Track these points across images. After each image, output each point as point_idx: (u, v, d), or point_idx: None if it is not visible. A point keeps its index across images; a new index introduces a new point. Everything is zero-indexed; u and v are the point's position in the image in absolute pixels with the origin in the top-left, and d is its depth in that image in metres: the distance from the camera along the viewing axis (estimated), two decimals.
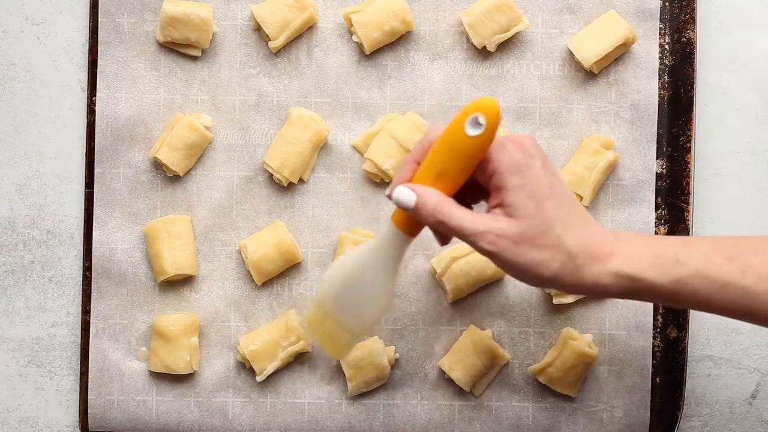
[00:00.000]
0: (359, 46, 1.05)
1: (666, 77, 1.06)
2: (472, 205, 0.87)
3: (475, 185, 0.85)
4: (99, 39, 1.05)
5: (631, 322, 1.06)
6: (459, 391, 1.06)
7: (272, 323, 1.05)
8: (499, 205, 0.81)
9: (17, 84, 1.08)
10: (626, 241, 0.83)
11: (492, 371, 1.05)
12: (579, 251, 0.81)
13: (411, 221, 0.85)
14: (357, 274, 0.88)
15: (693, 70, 1.05)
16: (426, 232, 0.88)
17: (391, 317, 1.06)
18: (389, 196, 0.84)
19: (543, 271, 0.80)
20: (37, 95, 1.08)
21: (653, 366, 1.06)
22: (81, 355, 1.06)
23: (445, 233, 0.84)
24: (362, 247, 0.88)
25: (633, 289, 0.82)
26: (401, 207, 0.83)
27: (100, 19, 1.05)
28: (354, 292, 0.89)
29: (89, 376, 1.05)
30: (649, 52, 1.06)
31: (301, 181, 1.06)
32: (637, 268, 0.81)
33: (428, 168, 0.82)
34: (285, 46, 1.06)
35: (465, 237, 0.81)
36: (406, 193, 0.82)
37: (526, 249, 0.80)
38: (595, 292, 0.82)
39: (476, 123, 0.80)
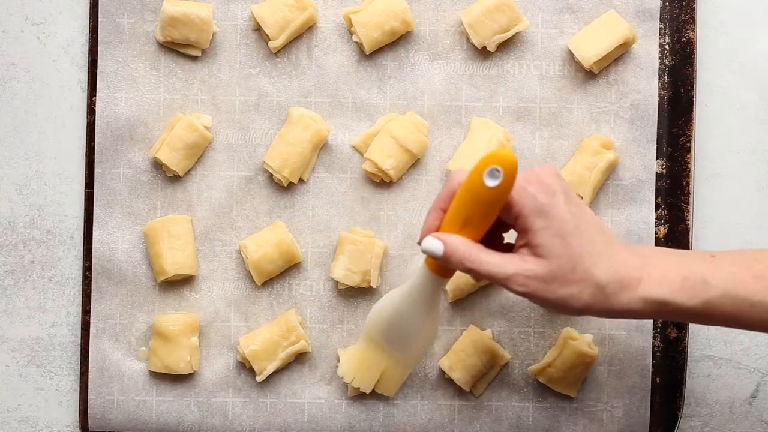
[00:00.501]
0: (359, 46, 1.05)
1: (666, 77, 1.06)
2: (504, 234, 0.90)
3: (503, 221, 0.86)
4: (99, 39, 1.05)
5: (631, 322, 1.06)
6: (459, 391, 1.06)
7: (272, 323, 1.05)
8: (527, 245, 0.83)
9: (17, 84, 1.08)
10: (654, 264, 0.84)
11: (492, 371, 1.05)
12: (608, 281, 0.82)
13: (442, 266, 0.87)
14: (402, 312, 0.92)
15: (693, 70, 1.05)
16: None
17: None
18: (419, 244, 0.86)
19: (575, 304, 0.82)
20: (37, 95, 1.08)
21: (653, 366, 1.06)
22: (81, 355, 1.06)
23: (475, 277, 0.86)
24: (402, 288, 0.92)
25: (663, 312, 0.83)
26: (430, 256, 0.85)
27: (100, 19, 1.05)
28: (402, 327, 0.93)
29: (89, 376, 1.05)
30: (649, 52, 1.06)
31: (301, 181, 1.06)
32: (666, 292, 0.83)
33: (454, 216, 0.84)
34: (285, 46, 1.06)
35: (495, 281, 0.83)
36: (434, 243, 0.84)
37: (556, 286, 0.82)
38: (626, 317, 0.84)
39: (494, 174, 0.81)
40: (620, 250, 0.85)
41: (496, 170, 0.81)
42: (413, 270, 0.91)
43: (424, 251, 0.85)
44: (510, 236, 0.89)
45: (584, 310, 0.83)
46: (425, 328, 0.93)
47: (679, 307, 0.83)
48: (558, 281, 0.82)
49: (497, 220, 0.85)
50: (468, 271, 0.84)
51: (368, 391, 0.99)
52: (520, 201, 0.83)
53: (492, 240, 0.88)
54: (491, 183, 0.81)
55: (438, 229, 0.85)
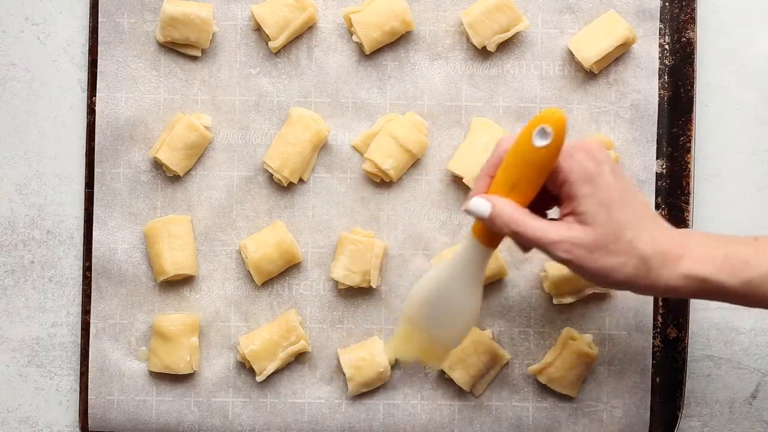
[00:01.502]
0: (359, 46, 1.05)
1: (666, 77, 1.06)
2: (547, 212, 0.89)
3: (548, 193, 0.86)
4: (99, 39, 1.05)
5: (631, 322, 1.06)
6: (459, 391, 1.06)
7: (272, 323, 1.05)
8: (572, 213, 0.83)
9: (17, 84, 1.08)
10: (696, 241, 0.84)
11: (492, 371, 1.05)
12: (651, 255, 0.83)
13: (490, 232, 0.86)
14: (443, 289, 0.91)
15: (693, 70, 1.05)
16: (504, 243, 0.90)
17: (391, 318, 1.06)
18: (464, 209, 0.85)
19: (616, 276, 0.83)
20: (37, 95, 1.08)
21: (653, 366, 1.06)
22: (81, 355, 1.06)
23: (521, 243, 0.86)
24: (445, 262, 0.90)
25: (703, 290, 0.83)
26: (477, 217, 0.84)
27: (100, 19, 1.05)
28: (442, 305, 0.91)
29: (89, 376, 1.05)
30: (649, 52, 1.06)
31: (301, 181, 1.06)
32: (708, 270, 0.83)
33: (502, 180, 0.84)
34: (285, 46, 1.06)
35: (540, 246, 0.83)
36: (481, 204, 0.84)
37: (600, 255, 0.82)
38: (666, 294, 0.84)
39: (543, 134, 0.81)
40: (663, 225, 0.85)
41: (546, 130, 0.81)
42: (460, 241, 0.88)
43: (470, 211, 0.84)
44: (553, 214, 0.89)
45: (626, 282, 0.83)
46: (468, 303, 0.91)
47: (720, 286, 0.83)
48: (602, 250, 0.82)
49: (542, 195, 0.85)
50: (513, 235, 0.84)
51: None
52: (567, 167, 0.83)
53: (537, 214, 0.87)
54: (540, 143, 0.81)
55: (486, 193, 0.85)
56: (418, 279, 0.95)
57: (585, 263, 0.82)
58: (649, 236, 0.83)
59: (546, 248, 0.83)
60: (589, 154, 0.83)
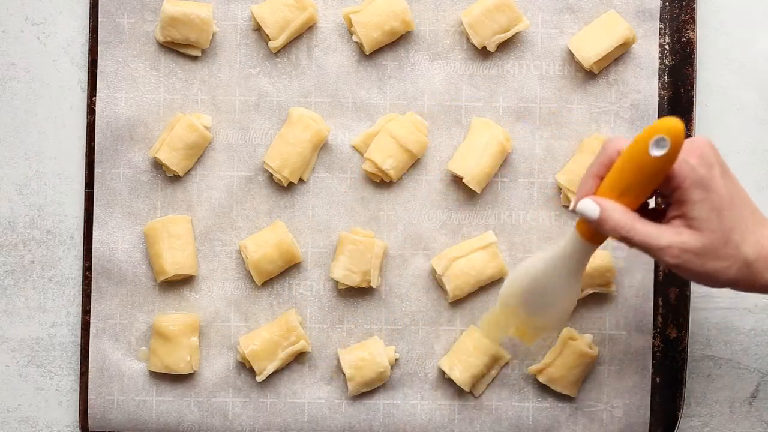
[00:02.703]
0: (359, 46, 1.05)
1: (666, 77, 1.06)
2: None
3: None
4: (99, 39, 1.05)
5: (631, 322, 1.06)
6: (459, 391, 1.06)
7: (272, 323, 1.05)
8: (681, 216, 0.83)
9: (17, 84, 1.08)
10: None
11: (492, 371, 1.05)
12: (756, 258, 0.84)
13: (594, 231, 0.86)
14: (542, 278, 0.91)
15: (693, 70, 1.05)
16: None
17: (392, 318, 1.06)
18: (572, 209, 0.86)
19: (720, 278, 0.84)
20: (37, 95, 1.08)
21: (653, 366, 1.06)
22: (81, 355, 1.06)
23: (629, 245, 0.86)
24: (546, 253, 0.91)
25: None
26: (585, 218, 0.85)
27: (100, 19, 1.05)
28: (540, 294, 0.92)
29: (89, 376, 1.05)
30: (649, 52, 1.06)
31: (301, 181, 1.06)
32: None
33: (612, 184, 0.84)
34: (285, 46, 1.06)
35: (648, 251, 0.84)
36: (590, 206, 0.84)
37: (707, 260, 0.83)
38: (765, 292, 0.85)
39: (660, 144, 0.80)
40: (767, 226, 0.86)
41: (663, 140, 0.80)
42: (563, 236, 0.90)
43: (579, 212, 0.84)
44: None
45: (728, 284, 0.84)
46: (567, 294, 0.92)
47: None
48: (709, 255, 0.83)
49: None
50: (621, 239, 0.84)
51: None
52: (680, 172, 0.83)
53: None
54: (657, 152, 0.81)
55: (594, 194, 0.85)
56: (517, 265, 0.96)
57: (692, 267, 0.83)
58: (755, 239, 0.84)
59: (654, 253, 0.83)
60: (702, 159, 0.83)
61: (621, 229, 0.83)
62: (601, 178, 0.85)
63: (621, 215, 0.83)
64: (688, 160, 0.83)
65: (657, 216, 0.88)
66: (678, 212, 0.84)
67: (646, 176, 0.82)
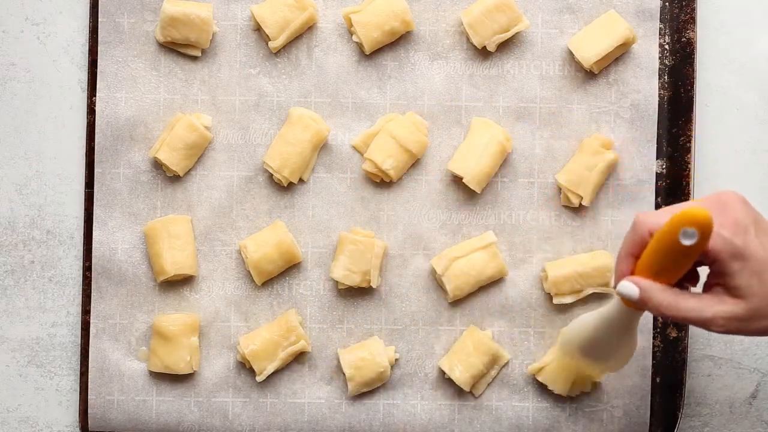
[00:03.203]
0: (359, 46, 1.05)
1: (666, 77, 1.06)
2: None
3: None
4: (99, 39, 1.05)
5: None
6: (459, 391, 1.06)
7: (272, 323, 1.05)
8: (722, 285, 0.84)
9: (17, 84, 1.08)
10: None
11: (492, 371, 1.05)
12: None
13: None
14: (596, 335, 0.94)
15: (693, 70, 1.05)
16: None
17: (392, 318, 1.06)
18: (617, 292, 0.87)
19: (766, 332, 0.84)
20: (37, 95, 1.08)
21: (653, 366, 1.06)
22: (81, 355, 1.06)
23: (673, 321, 0.88)
24: (599, 312, 0.93)
25: None
26: (626, 299, 0.86)
27: (100, 19, 1.05)
28: (597, 347, 0.95)
29: (89, 376, 1.05)
30: (649, 52, 1.06)
31: (301, 181, 1.06)
32: None
33: (648, 265, 0.85)
34: (285, 46, 1.06)
35: (694, 324, 0.84)
36: (629, 288, 0.85)
37: (753, 322, 0.83)
38: None
39: (689, 234, 0.80)
40: None
41: (690, 231, 0.80)
42: (610, 300, 0.94)
43: (620, 294, 0.86)
44: None
45: None
46: (622, 348, 0.95)
47: None
48: (755, 318, 0.83)
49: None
50: (664, 317, 0.86)
51: (564, 395, 1.04)
52: (715, 247, 0.83)
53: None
54: (687, 242, 0.81)
55: (632, 274, 0.86)
56: (571, 321, 0.99)
57: (740, 331, 0.84)
58: None
59: (700, 326, 0.84)
60: (735, 227, 0.83)
61: (663, 308, 0.84)
62: (636, 257, 0.86)
63: (661, 294, 0.84)
64: (722, 233, 0.82)
65: (694, 274, 0.89)
66: (718, 280, 0.84)
67: (679, 259, 0.83)
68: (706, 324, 0.83)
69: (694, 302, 0.84)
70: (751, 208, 0.85)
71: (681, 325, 1.05)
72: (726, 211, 0.84)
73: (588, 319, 0.95)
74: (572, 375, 1.02)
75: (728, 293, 0.83)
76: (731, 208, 0.84)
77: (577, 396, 1.05)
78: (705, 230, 0.80)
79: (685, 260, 0.83)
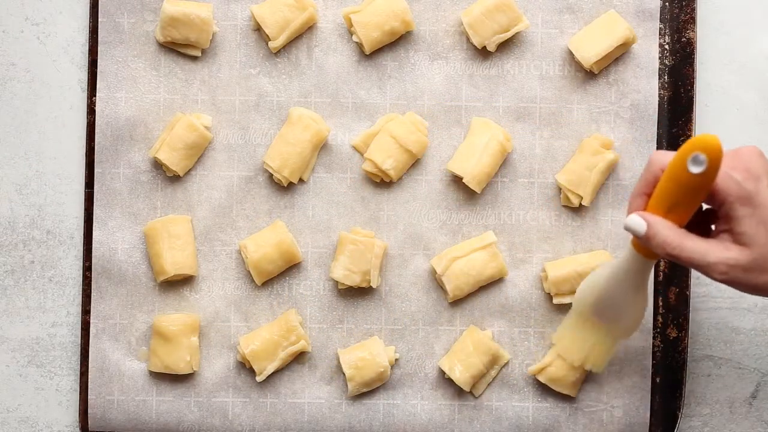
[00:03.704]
0: (359, 46, 1.05)
1: (666, 77, 1.06)
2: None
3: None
4: (99, 39, 1.05)
5: None
6: (459, 391, 1.06)
7: (272, 323, 1.05)
8: (728, 232, 0.83)
9: (17, 84, 1.08)
10: None
11: (492, 371, 1.05)
12: None
13: (648, 249, 0.87)
14: (610, 289, 0.93)
15: (693, 70, 1.05)
16: None
17: (392, 318, 1.06)
18: (625, 227, 0.86)
19: None
20: (37, 95, 1.08)
21: (653, 366, 1.06)
22: (81, 355, 1.06)
23: (676, 262, 0.86)
24: (610, 265, 0.92)
25: None
26: (633, 234, 0.85)
27: (100, 19, 1.05)
28: (609, 304, 0.94)
29: (89, 376, 1.05)
30: (649, 52, 1.06)
31: (301, 181, 1.06)
32: None
33: (658, 201, 0.84)
34: (285, 46, 1.06)
35: (696, 267, 0.84)
36: (637, 222, 0.84)
37: (756, 274, 0.83)
38: None
39: (698, 160, 0.80)
40: None
41: (700, 156, 0.79)
42: (623, 253, 0.91)
43: (627, 228, 0.85)
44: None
45: None
46: (633, 305, 0.93)
47: None
48: (758, 269, 0.82)
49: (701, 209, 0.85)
50: (668, 255, 0.84)
51: (577, 365, 1.00)
52: (724, 188, 0.82)
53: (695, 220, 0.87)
54: (695, 170, 0.80)
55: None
56: (589, 274, 0.97)
57: (740, 282, 0.83)
58: None
59: (702, 270, 0.83)
60: (747, 172, 0.83)
61: (668, 245, 0.83)
62: (649, 196, 0.85)
63: (668, 231, 0.83)
64: (733, 175, 0.82)
65: (707, 229, 0.88)
66: (725, 227, 0.83)
67: (689, 193, 0.82)
68: (709, 269, 0.82)
69: (699, 244, 0.83)
70: (766, 160, 0.84)
71: (681, 325, 1.05)
72: (740, 157, 0.83)
73: (600, 273, 0.94)
74: (586, 344, 0.98)
75: (734, 240, 0.82)
76: (746, 156, 0.84)
77: (579, 392, 1.05)
78: (714, 156, 0.79)
79: (695, 194, 0.82)
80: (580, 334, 0.98)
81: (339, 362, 1.05)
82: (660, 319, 1.06)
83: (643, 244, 0.86)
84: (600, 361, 0.99)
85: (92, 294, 1.06)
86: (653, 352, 1.06)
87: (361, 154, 1.06)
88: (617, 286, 0.92)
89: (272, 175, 1.04)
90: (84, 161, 1.07)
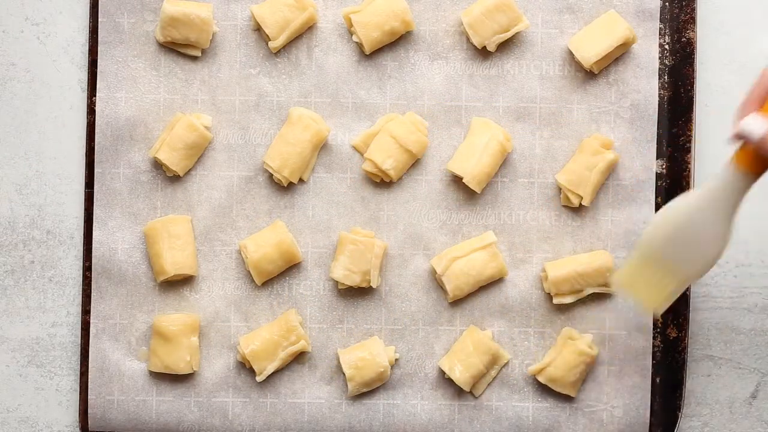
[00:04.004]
0: (359, 46, 1.05)
1: (666, 77, 1.06)
2: None
3: None
4: (99, 39, 1.05)
5: (631, 322, 1.06)
6: (459, 391, 1.06)
7: (272, 323, 1.05)
8: None
9: (17, 84, 1.08)
10: None
11: (492, 371, 1.05)
12: None
13: (754, 157, 0.83)
14: (692, 220, 0.87)
15: (693, 70, 1.05)
16: None
17: (392, 318, 1.06)
18: (736, 134, 0.81)
19: None
20: (37, 95, 1.08)
21: (653, 366, 1.06)
22: (81, 355, 1.06)
23: None
24: (695, 193, 0.87)
25: None
26: (747, 137, 0.81)
27: (100, 19, 1.05)
28: (688, 237, 0.88)
29: (89, 376, 1.05)
30: (649, 52, 1.06)
31: (301, 181, 1.06)
32: None
33: None
34: (285, 46, 1.06)
35: None
36: (756, 122, 0.81)
37: None
38: None
39: None
40: None
41: None
42: (713, 175, 0.87)
43: (740, 133, 0.81)
44: None
45: None
46: (717, 237, 0.88)
47: None
48: None
49: None
50: None
51: (641, 309, 0.95)
52: None
53: None
54: None
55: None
56: (664, 208, 0.92)
57: None
58: None
59: None
60: None
61: None
62: (759, 106, 0.82)
63: None
64: None
65: None
66: None
67: None
68: None
69: None
70: None
71: (681, 325, 1.05)
72: None
73: (679, 203, 0.88)
74: (651, 286, 0.92)
75: None
76: None
77: (579, 392, 1.05)
78: None
79: None
80: (644, 277, 0.92)
81: (339, 362, 1.05)
82: (660, 319, 1.06)
83: (759, 148, 0.82)
84: (662, 304, 0.93)
85: (92, 294, 1.06)
86: (653, 352, 1.06)
87: (361, 154, 1.06)
88: (702, 215, 0.87)
89: (272, 175, 1.04)
90: (84, 161, 1.07)
